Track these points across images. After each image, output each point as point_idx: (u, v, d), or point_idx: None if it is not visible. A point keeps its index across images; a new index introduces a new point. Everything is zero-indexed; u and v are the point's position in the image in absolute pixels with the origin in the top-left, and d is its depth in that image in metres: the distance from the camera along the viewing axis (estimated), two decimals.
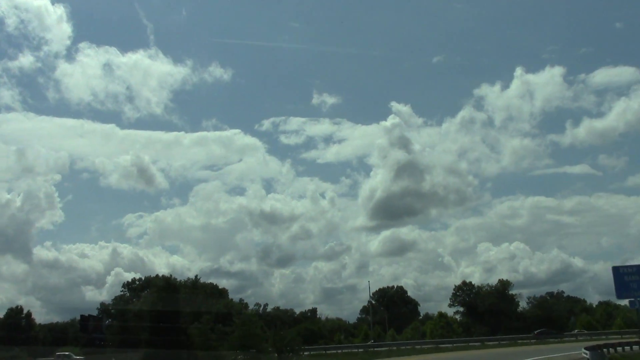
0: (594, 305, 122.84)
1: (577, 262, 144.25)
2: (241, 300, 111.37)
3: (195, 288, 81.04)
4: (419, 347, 64.82)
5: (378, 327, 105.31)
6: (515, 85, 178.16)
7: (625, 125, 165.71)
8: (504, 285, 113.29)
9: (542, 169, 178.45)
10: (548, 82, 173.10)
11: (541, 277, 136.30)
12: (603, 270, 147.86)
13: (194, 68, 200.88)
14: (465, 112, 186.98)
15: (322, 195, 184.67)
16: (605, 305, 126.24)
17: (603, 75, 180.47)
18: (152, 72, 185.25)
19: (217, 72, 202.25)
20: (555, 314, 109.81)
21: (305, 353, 59.46)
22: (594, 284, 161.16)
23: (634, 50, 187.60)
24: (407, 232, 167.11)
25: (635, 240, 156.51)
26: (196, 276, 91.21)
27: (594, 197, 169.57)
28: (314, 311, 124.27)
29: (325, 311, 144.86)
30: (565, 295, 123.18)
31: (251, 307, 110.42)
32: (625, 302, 49.04)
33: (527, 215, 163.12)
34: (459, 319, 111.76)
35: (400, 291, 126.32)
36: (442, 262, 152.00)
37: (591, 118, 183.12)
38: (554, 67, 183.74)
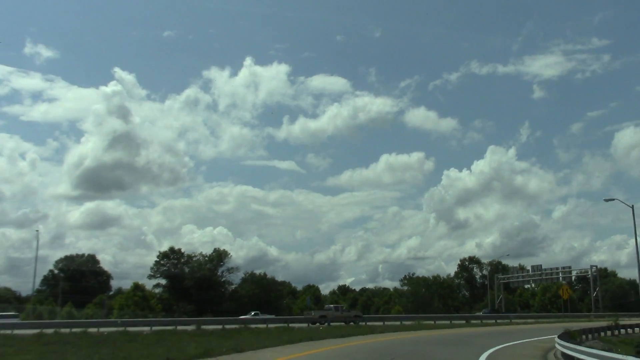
0: (298, 289, 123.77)
1: (273, 251, 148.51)
2: None
3: None
4: (105, 329, 39.34)
5: (52, 301, 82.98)
6: (244, 74, 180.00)
7: (334, 129, 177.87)
8: (220, 255, 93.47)
9: (254, 159, 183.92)
10: (274, 77, 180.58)
11: (239, 262, 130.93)
12: (294, 260, 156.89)
13: None
14: (191, 92, 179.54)
15: (22, 156, 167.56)
16: (314, 289, 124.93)
17: (321, 81, 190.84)
18: None
19: None
20: (273, 294, 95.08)
21: None
22: (284, 271, 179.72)
23: (348, 64, 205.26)
24: (113, 206, 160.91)
25: (324, 236, 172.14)
26: None
27: (295, 192, 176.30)
28: None
29: (7, 283, 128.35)
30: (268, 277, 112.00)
31: None
32: None
33: (233, 202, 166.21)
34: (159, 293, 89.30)
35: (92, 261, 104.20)
36: (145, 240, 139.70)
37: (306, 118, 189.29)
38: (281, 64, 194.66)
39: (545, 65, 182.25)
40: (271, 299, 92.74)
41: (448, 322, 54.13)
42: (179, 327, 40.81)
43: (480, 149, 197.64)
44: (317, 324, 48.23)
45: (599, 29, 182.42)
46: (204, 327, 40.30)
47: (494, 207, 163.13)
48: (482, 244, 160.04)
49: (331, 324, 48.17)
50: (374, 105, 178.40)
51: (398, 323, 49.45)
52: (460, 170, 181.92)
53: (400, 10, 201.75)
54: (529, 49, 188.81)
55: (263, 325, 43.90)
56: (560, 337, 20.71)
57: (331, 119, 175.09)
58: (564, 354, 18.79)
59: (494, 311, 75.09)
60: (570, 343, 17.93)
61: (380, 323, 49.64)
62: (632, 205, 32.73)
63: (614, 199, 32.74)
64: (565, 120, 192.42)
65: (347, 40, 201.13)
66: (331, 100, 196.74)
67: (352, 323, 50.12)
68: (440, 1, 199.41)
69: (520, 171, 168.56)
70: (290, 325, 45.85)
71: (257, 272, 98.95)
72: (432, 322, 50.84)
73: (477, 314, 72.10)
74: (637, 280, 29.14)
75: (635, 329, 39.11)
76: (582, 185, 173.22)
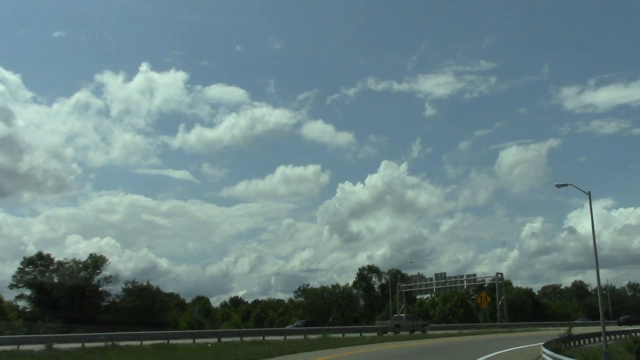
0: (187, 301, 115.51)
1: (163, 263, 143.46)
2: None
3: None
4: None
5: None
6: (139, 79, 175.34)
7: (231, 139, 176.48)
8: (97, 261, 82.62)
9: (147, 168, 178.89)
10: (171, 84, 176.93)
11: (127, 274, 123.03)
12: (185, 272, 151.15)
13: None
14: (81, 96, 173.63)
15: None
16: (204, 301, 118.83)
17: (218, 90, 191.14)
18: None
19: None
20: (157, 306, 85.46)
21: None
22: (175, 284, 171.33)
23: (247, 74, 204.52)
24: None
25: (217, 247, 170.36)
26: None
27: (189, 203, 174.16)
28: None
29: None
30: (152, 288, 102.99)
31: None
32: None
33: (123, 212, 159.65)
34: (21, 306, 77.56)
35: None
36: (25, 250, 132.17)
37: (203, 127, 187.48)
38: (179, 72, 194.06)
39: (437, 84, 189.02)
40: (154, 311, 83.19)
41: (358, 334, 48.15)
42: (23, 347, 31.69)
43: (375, 163, 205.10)
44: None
45: (488, 52, 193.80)
46: (57, 345, 31.55)
47: (386, 220, 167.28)
48: (374, 256, 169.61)
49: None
50: (272, 116, 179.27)
51: (302, 337, 42.81)
52: (355, 184, 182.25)
53: (301, 24, 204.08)
54: (422, 68, 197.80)
55: (136, 343, 35.53)
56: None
57: (228, 128, 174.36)
58: None
59: (310, 323, 65.59)
60: None
61: (281, 337, 42.66)
62: (589, 192, 28.40)
63: (567, 185, 28.27)
64: (454, 138, 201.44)
65: (247, 51, 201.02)
66: (229, 110, 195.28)
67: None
68: (340, 18, 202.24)
69: (411, 186, 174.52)
70: (172, 342, 37.83)
71: (140, 282, 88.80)
72: (341, 336, 44.53)
73: (289, 327, 61.94)
74: (596, 276, 24.51)
75: (583, 340, 35.35)
76: (468, 201, 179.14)
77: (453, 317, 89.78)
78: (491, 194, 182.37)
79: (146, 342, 35.92)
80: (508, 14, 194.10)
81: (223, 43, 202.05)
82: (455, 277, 77.52)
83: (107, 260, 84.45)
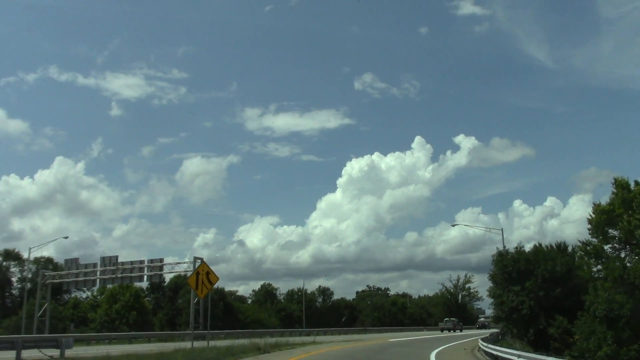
0: None
1: None
2: None
3: None
4: None
5: None
6: None
7: None
8: None
9: None
10: None
11: None
12: None
13: None
14: None
15: None
16: None
17: None
18: None
19: None
20: None
21: None
22: None
23: None
24: None
25: None
26: None
27: None
28: None
29: None
30: None
31: None
32: None
33: None
34: None
35: None
36: None
37: None
38: None
39: (126, 85, 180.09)
40: None
41: None
42: None
43: (48, 158, 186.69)
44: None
45: (181, 62, 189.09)
46: None
47: (54, 220, 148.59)
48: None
49: None
50: None
51: None
52: (22, 178, 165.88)
53: None
54: (112, 66, 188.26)
55: None
56: None
57: None
58: None
59: None
60: None
61: None
62: None
63: None
64: (138, 142, 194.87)
65: None
66: None
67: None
68: None
69: (87, 186, 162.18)
70: None
71: None
72: None
73: None
74: None
75: None
76: (145, 207, 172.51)
77: (121, 323, 65.42)
78: (169, 202, 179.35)
79: None
80: (204, 27, 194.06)
81: None
82: (132, 262, 53.99)
83: None
